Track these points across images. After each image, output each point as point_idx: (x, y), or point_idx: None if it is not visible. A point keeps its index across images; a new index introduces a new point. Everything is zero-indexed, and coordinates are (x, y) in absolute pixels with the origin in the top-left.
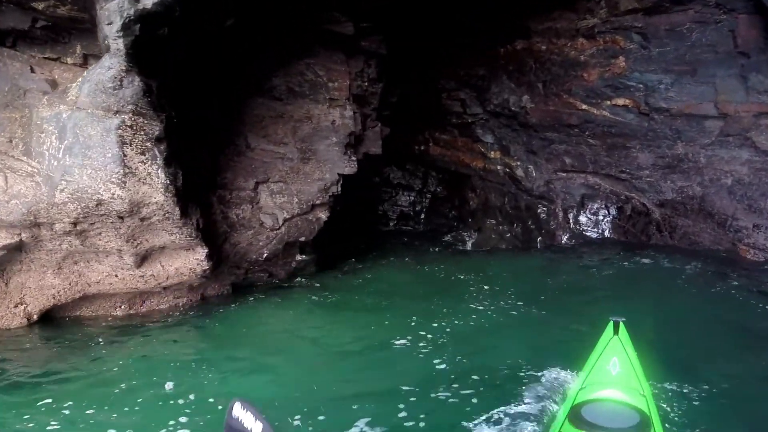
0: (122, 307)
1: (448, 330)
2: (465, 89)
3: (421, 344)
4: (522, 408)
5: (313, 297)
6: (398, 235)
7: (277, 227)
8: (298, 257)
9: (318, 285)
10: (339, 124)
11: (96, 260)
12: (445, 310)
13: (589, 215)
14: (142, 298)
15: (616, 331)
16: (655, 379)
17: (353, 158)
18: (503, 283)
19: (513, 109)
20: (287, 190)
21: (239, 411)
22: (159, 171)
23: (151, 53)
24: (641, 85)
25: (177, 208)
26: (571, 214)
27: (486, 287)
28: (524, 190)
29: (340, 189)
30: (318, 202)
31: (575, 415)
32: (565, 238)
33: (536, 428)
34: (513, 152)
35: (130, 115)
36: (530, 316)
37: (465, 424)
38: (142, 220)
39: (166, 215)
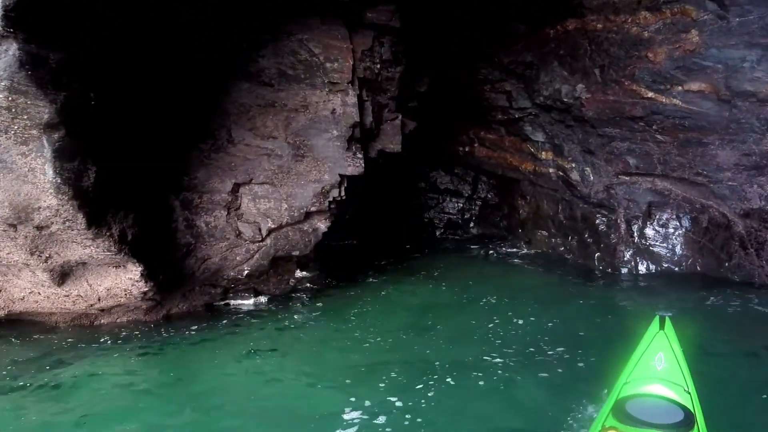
0: (64, 324)
1: (427, 398)
2: (510, 79)
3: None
4: None
5: (304, 322)
6: (442, 244)
7: (259, 239)
8: (298, 273)
9: (316, 309)
10: (340, 114)
11: (12, 274)
12: (444, 360)
13: (656, 227)
14: (88, 317)
15: (662, 326)
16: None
17: (359, 155)
18: (541, 321)
19: (566, 100)
20: (275, 193)
21: None
22: (47, 167)
23: (52, 16)
24: (720, 65)
25: (81, 215)
26: (636, 226)
27: (515, 323)
28: (580, 196)
29: (344, 193)
30: (314, 209)
31: (619, 410)
32: (627, 255)
33: None
34: (567, 152)
35: (6, 93)
36: (564, 387)
37: None
38: (39, 228)
39: (67, 224)
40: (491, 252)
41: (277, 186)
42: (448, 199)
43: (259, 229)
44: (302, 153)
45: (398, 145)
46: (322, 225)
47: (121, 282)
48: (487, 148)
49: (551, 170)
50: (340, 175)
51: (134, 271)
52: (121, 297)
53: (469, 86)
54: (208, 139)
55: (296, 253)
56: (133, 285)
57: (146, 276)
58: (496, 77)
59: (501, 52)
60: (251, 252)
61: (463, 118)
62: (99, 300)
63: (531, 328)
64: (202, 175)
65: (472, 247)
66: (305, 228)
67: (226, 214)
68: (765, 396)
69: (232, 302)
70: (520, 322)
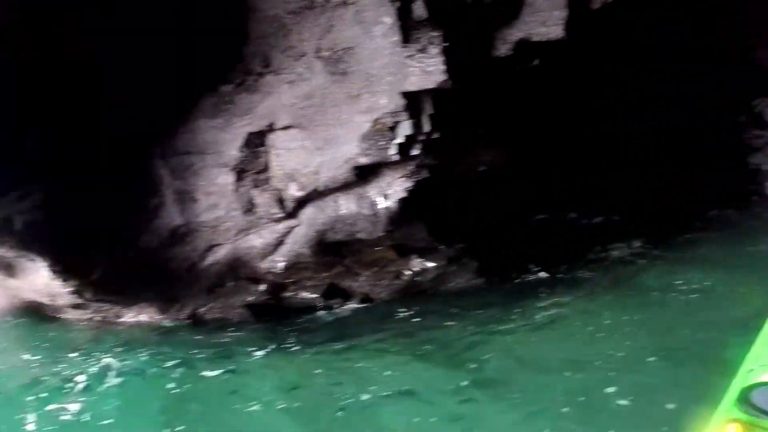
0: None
1: None
2: None
3: None
4: None
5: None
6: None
7: (280, 214)
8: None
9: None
10: None
11: None
12: None
13: None
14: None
15: None
16: None
17: (433, 50)
18: None
19: None
20: (305, 140)
21: None
22: None
23: None
24: None
25: None
26: None
27: None
28: None
29: (427, 127)
30: (365, 159)
31: (744, 400)
32: None
33: None
34: None
35: None
36: None
37: None
38: None
39: None
40: None
41: (308, 128)
42: None
43: (279, 200)
44: (343, 68)
45: (557, 27)
46: (398, 188)
47: (41, 278)
48: None
49: None
50: (405, 94)
51: (42, 267)
52: (62, 296)
53: None
54: (236, 78)
55: (361, 235)
56: (51, 282)
57: (60, 272)
58: None
59: None
60: (278, 235)
61: None
62: (51, 296)
63: None
64: (211, 129)
65: None
66: (367, 194)
67: (235, 180)
68: None
69: (291, 302)
70: None
